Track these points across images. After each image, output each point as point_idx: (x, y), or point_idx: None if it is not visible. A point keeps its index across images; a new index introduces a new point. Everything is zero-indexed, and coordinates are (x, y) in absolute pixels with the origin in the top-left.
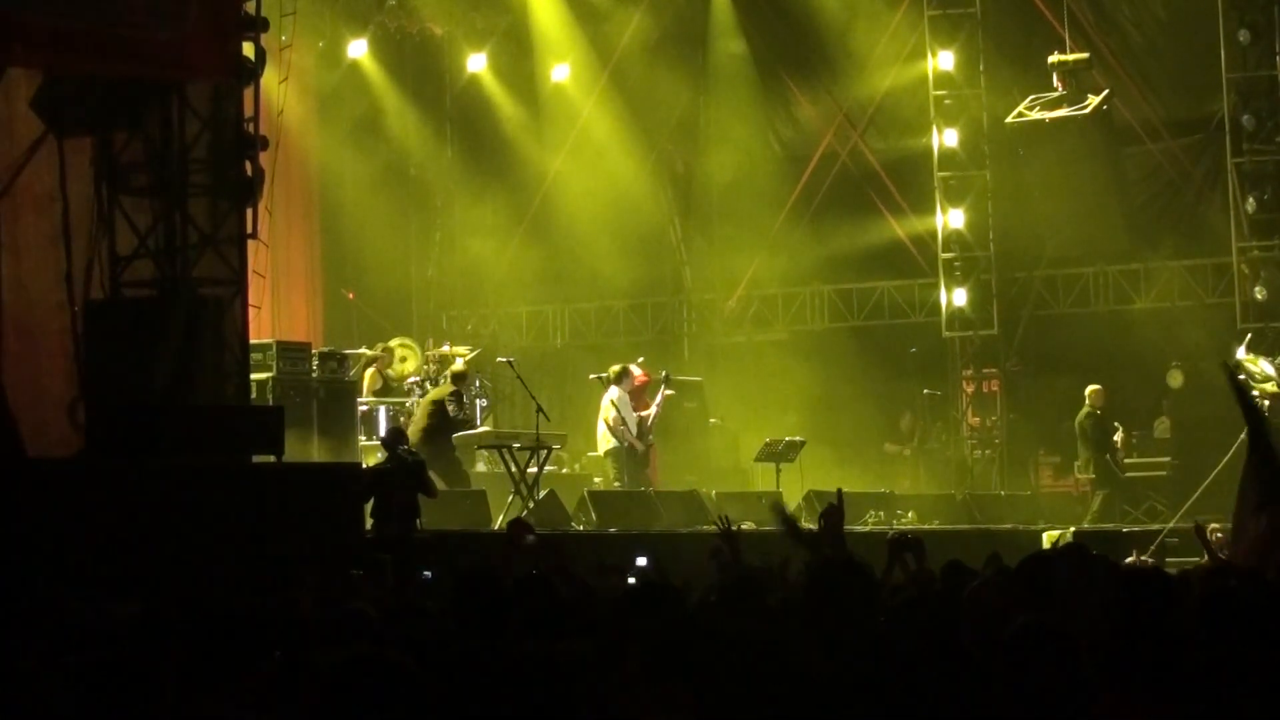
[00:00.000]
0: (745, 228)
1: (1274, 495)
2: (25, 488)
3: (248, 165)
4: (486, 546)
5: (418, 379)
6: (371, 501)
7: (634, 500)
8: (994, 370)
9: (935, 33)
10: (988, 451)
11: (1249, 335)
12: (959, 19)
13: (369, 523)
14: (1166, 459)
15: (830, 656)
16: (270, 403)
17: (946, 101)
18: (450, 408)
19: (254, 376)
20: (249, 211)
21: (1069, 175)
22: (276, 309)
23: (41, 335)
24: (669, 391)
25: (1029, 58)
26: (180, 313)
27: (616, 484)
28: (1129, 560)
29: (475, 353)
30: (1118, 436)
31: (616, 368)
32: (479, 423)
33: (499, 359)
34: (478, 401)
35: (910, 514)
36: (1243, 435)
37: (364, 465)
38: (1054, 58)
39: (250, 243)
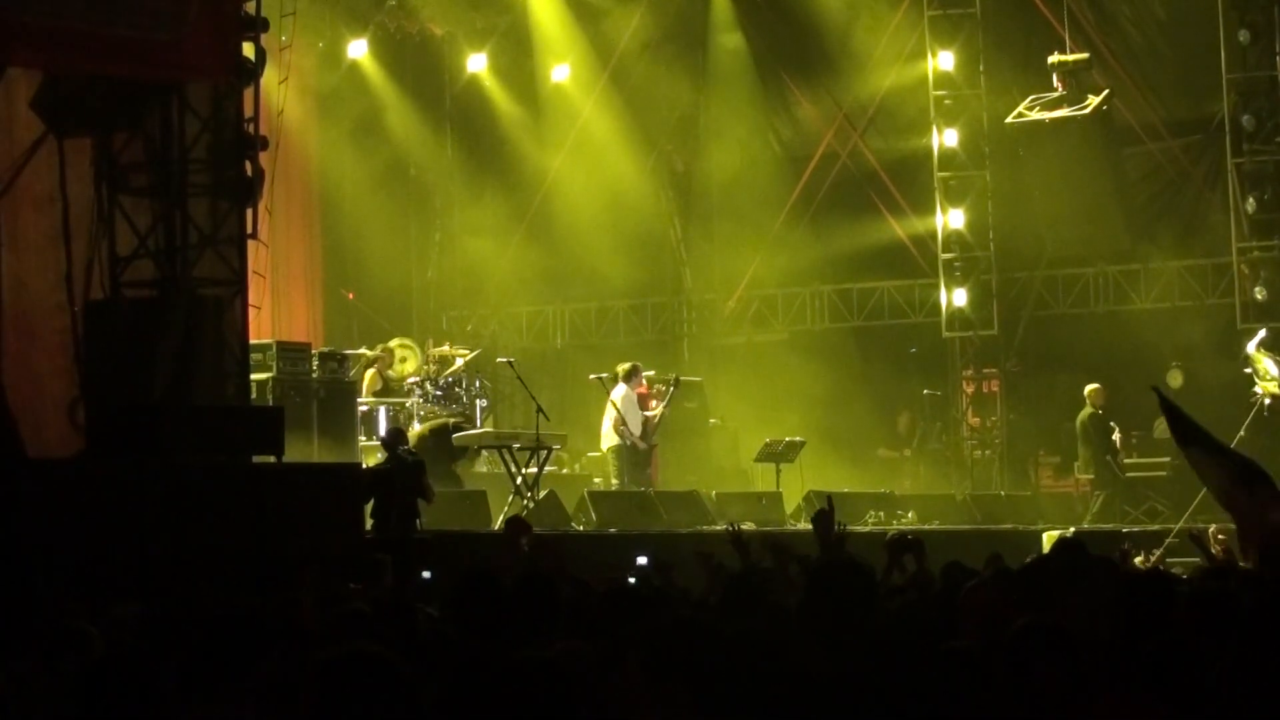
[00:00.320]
0: (745, 228)
1: (1251, 474)
2: (25, 488)
3: (248, 165)
4: (486, 547)
5: (418, 379)
6: (372, 502)
7: (634, 501)
8: (994, 370)
9: (935, 33)
10: (988, 452)
11: (1263, 331)
12: (959, 19)
13: (369, 523)
14: (1166, 459)
15: (830, 657)
16: (270, 403)
17: (946, 101)
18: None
19: (254, 377)
20: (249, 212)
21: (1069, 175)
22: (276, 309)
23: (41, 335)
24: (674, 389)
25: (1029, 58)
26: (180, 313)
27: (616, 481)
28: (1138, 560)
29: (475, 353)
30: (1115, 436)
31: (626, 366)
32: (479, 423)
33: (499, 359)
34: (478, 402)
35: (910, 514)
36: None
37: (364, 465)
38: (1054, 58)
39: (250, 243)
